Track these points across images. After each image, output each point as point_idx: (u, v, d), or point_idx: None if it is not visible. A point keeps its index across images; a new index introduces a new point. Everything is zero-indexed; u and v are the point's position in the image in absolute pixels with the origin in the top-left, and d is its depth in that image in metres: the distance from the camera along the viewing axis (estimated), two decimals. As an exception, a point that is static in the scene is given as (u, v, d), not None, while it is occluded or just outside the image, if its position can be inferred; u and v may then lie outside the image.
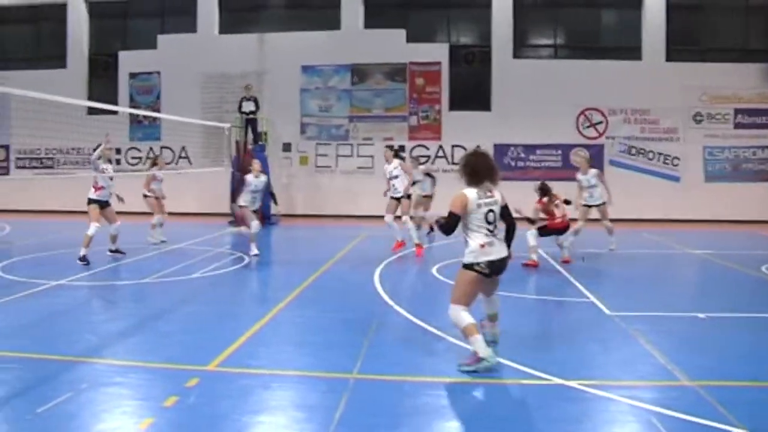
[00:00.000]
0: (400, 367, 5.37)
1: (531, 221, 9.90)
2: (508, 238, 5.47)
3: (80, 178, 20.35)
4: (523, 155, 19.59)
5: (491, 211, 5.32)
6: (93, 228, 10.46)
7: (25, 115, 10.66)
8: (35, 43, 22.46)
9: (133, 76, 21.05)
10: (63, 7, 21.66)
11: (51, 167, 21.49)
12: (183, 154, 20.54)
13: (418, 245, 11.76)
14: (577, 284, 8.89)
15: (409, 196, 12.02)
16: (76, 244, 10.92)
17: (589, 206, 12.07)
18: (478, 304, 5.63)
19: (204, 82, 20.47)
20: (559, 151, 19.47)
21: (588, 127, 19.46)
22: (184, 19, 20.96)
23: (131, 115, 20.29)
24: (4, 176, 21.13)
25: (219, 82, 20.37)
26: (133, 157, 21.07)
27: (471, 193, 5.30)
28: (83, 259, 10.26)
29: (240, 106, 18.22)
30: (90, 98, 20.54)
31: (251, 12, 20.87)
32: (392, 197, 11.95)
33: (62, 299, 7.93)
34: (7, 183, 20.86)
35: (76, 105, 11.14)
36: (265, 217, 17.39)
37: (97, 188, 10.89)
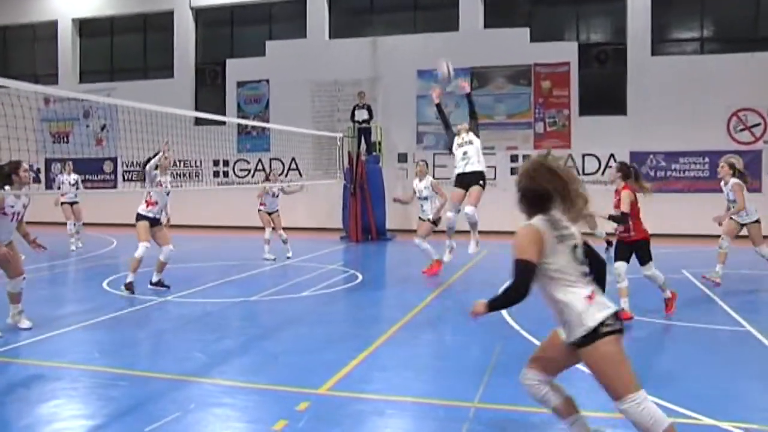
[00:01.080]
0: (527, 397, 5.23)
1: (616, 219, 7.70)
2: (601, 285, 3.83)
3: (188, 191, 21.46)
4: (663, 164, 18.79)
5: (576, 246, 3.72)
6: (142, 248, 9.69)
7: (132, 126, 11.25)
8: (142, 53, 23.94)
9: (240, 84, 21.97)
10: (170, 15, 22.99)
11: (158, 180, 22.68)
12: (293, 166, 21.15)
13: (437, 261, 11.25)
14: (728, 309, 8.37)
15: (436, 222, 11.40)
16: (184, 260, 11.46)
17: (741, 224, 10.37)
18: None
19: (314, 89, 21.05)
20: (706, 159, 18.52)
21: (742, 130, 18.42)
22: (293, 24, 21.70)
23: (239, 125, 21.16)
24: (112, 189, 22.44)
25: (330, 90, 20.89)
26: (241, 170, 21.92)
27: (540, 224, 3.70)
28: (129, 287, 9.63)
29: (353, 115, 18.58)
30: (197, 108, 21.63)
31: (363, 15, 21.33)
32: (419, 218, 11.66)
33: (169, 316, 8.31)
34: (115, 196, 22.21)
35: (183, 116, 11.70)
36: (379, 231, 17.60)
37: (149, 203, 10.06)
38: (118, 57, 24.33)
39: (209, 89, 22.81)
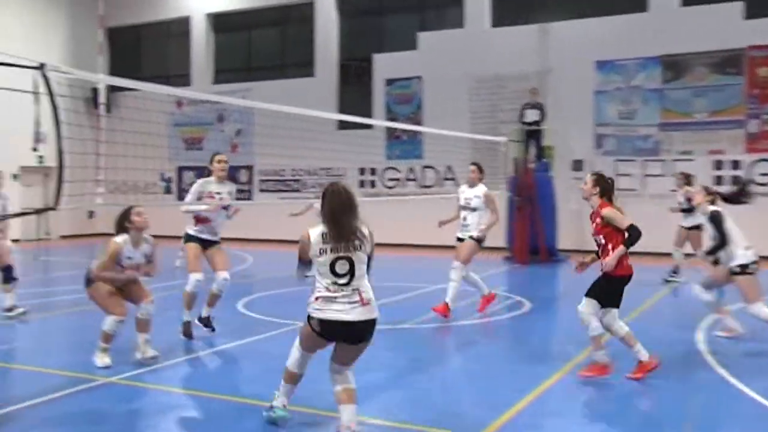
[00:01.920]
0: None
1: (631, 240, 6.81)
2: None
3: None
4: None
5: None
6: (192, 281, 8.57)
7: (269, 131, 11.73)
8: (280, 49, 24.98)
9: (389, 82, 22.42)
10: (310, 7, 23.92)
11: (297, 190, 23.53)
12: (449, 175, 21.27)
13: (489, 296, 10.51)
14: None
15: (480, 241, 10.31)
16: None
17: None
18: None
19: (474, 86, 21.11)
20: None
21: None
22: (449, 13, 21.92)
23: (388, 129, 21.56)
24: (247, 201, 23.35)
25: (492, 87, 20.88)
26: (390, 179, 22.33)
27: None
28: (186, 331, 8.64)
29: (521, 115, 18.40)
30: (341, 110, 22.21)
31: (530, -1, 21.21)
32: (457, 237, 10.46)
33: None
34: (251, 209, 23.21)
35: (326, 119, 12.09)
36: (550, 251, 17.33)
37: (199, 220, 8.80)
38: (254, 54, 25.54)
39: (354, 88, 23.42)
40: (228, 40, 25.89)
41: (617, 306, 6.97)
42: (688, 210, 12.93)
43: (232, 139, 24.57)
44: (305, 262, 5.14)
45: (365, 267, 5.10)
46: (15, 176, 23.24)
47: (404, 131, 21.60)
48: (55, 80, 5.97)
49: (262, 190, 24.15)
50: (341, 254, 4.99)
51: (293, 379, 5.56)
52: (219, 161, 8.91)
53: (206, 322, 8.88)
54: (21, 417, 5.81)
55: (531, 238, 17.27)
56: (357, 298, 4.98)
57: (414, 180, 21.98)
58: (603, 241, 6.91)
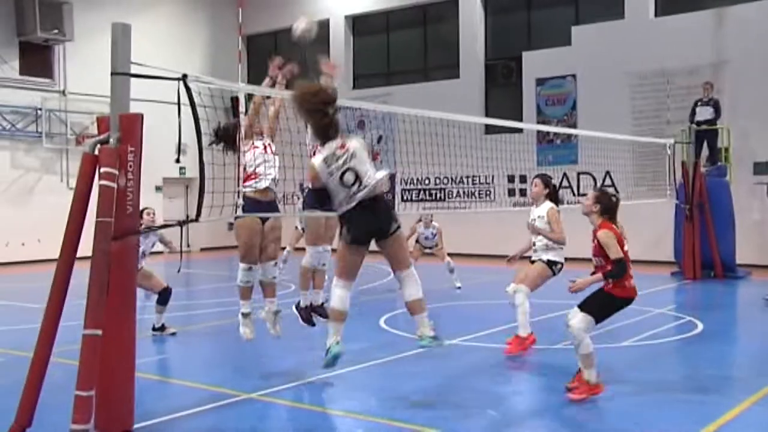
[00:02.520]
0: None
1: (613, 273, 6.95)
2: None
3: (479, 213, 22.04)
4: None
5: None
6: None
7: (412, 138, 11.81)
8: (422, 51, 25.20)
9: (540, 82, 22.23)
10: (454, 4, 23.99)
11: (441, 200, 23.63)
12: (608, 182, 20.81)
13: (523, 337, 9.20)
14: None
15: (552, 265, 9.36)
16: (469, 296, 11.68)
17: None
18: None
19: (635, 83, 20.61)
20: None
21: None
22: (607, 2, 21.48)
23: (539, 132, 21.34)
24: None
25: (656, 83, 20.31)
26: (543, 187, 22.05)
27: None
28: (306, 315, 8.52)
29: (693, 113, 17.76)
30: (487, 113, 22.19)
31: (703, -19, 20.49)
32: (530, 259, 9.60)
33: (455, 362, 8.59)
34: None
35: (472, 123, 12.07)
36: (726, 266, 16.65)
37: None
38: (394, 57, 25.86)
39: (502, 90, 23.36)
40: (368, 43, 26.37)
41: (600, 322, 7.14)
42: None
43: (374, 146, 24.95)
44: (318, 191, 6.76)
45: (367, 166, 6.57)
46: (158, 188, 24.50)
47: (557, 135, 21.34)
48: (196, 90, 6.24)
49: (404, 200, 24.40)
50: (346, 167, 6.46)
51: (340, 317, 6.67)
52: None
53: (311, 310, 8.56)
54: (163, 430, 6.11)
55: (704, 251, 16.64)
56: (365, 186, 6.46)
57: (568, 187, 21.62)
58: (603, 263, 7.01)
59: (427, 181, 23.86)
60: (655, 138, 17.39)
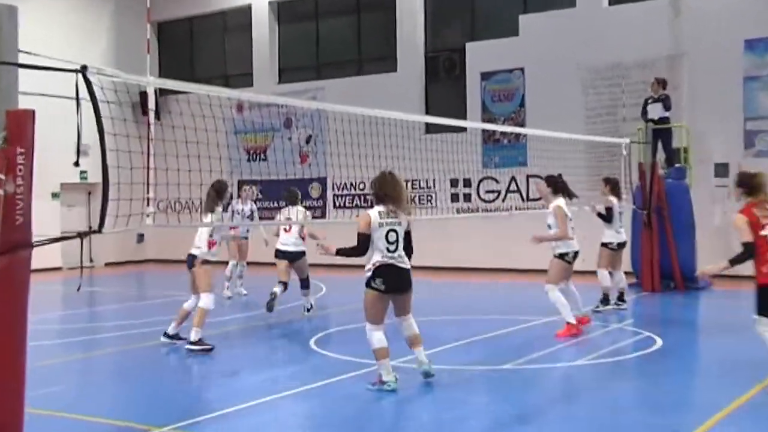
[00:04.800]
0: None
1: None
2: None
3: (419, 222, 21.92)
4: None
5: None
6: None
7: (345, 138, 11.79)
8: (356, 41, 25.16)
9: (486, 76, 22.35)
10: (390, -10, 24.00)
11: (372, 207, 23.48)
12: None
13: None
14: None
15: (564, 256, 11.57)
16: (422, 311, 11.60)
17: None
18: None
19: (588, 78, 20.84)
20: None
21: None
22: (558, -11, 21.73)
23: (485, 132, 21.46)
24: (320, 220, 23.38)
25: (610, 77, 20.57)
26: (488, 191, 22.29)
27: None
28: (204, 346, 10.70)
29: (644, 111, 18.02)
30: (428, 111, 22.19)
31: (657, -34, 20.84)
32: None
33: (404, 385, 8.54)
34: (324, 228, 23.30)
35: (411, 121, 12.06)
36: (686, 277, 16.84)
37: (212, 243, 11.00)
38: (325, 48, 25.77)
39: (444, 85, 23.46)
40: (294, 32, 26.22)
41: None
42: None
43: (302, 147, 24.83)
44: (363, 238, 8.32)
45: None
46: (54, 195, 23.97)
47: (504, 134, 21.48)
48: (98, 84, 6.09)
49: (336, 206, 24.29)
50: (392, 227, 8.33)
51: (387, 353, 8.18)
52: None
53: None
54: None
55: (663, 261, 16.86)
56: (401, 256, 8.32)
57: (517, 192, 21.77)
58: None
59: (361, 186, 23.67)
60: (610, 137, 17.60)
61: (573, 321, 11.15)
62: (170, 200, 21.28)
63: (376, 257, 8.21)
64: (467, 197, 22.38)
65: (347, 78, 24.23)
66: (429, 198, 22.71)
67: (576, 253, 11.49)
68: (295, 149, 24.62)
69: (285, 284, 13.29)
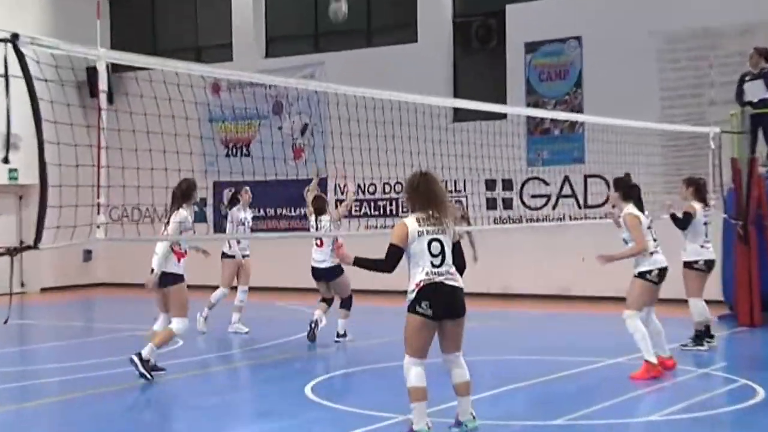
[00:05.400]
0: None
1: None
2: None
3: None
4: None
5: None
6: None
7: (349, 128, 11.80)
8: (365, 4, 24.94)
9: (531, 48, 22.38)
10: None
11: (392, 214, 23.35)
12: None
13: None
14: None
15: (644, 276, 11.74)
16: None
17: None
18: None
19: (664, 49, 20.83)
20: None
21: None
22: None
23: (530, 119, 21.44)
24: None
25: (695, 48, 20.57)
26: (534, 196, 22.35)
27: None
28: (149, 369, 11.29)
29: (740, 91, 17.93)
30: (457, 93, 22.15)
31: None
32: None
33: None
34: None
35: (436, 106, 12.08)
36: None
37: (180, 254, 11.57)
38: (326, 13, 25.66)
39: (477, 59, 23.51)
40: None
41: None
42: None
43: (295, 139, 24.76)
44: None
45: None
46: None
47: (556, 122, 21.48)
48: (32, 58, 6.08)
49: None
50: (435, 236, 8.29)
51: (424, 395, 8.15)
52: None
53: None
54: None
55: (764, 286, 16.77)
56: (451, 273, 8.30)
57: (572, 196, 21.71)
58: None
59: (372, 189, 23.60)
60: (693, 126, 17.54)
61: (654, 360, 11.19)
62: (126, 207, 21.32)
63: (419, 276, 8.20)
64: (508, 203, 22.31)
65: (354, 50, 24.32)
66: (458, 202, 22.60)
67: (662, 271, 11.68)
68: (287, 142, 24.50)
69: (328, 301, 14.70)
